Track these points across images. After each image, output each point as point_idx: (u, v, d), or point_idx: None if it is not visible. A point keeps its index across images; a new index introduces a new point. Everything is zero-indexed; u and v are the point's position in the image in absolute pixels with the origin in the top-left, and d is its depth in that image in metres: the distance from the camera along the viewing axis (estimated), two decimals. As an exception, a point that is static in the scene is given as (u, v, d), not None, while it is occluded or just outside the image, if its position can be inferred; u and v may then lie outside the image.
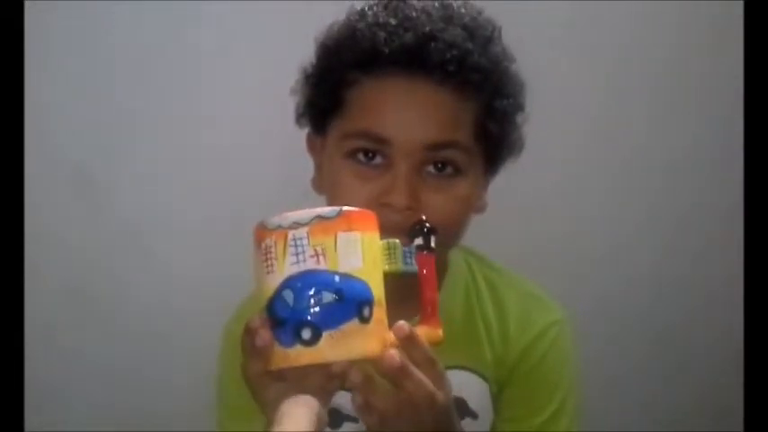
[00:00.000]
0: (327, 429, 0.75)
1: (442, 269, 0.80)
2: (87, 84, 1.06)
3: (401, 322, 0.57)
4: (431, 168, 0.70)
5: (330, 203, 0.72)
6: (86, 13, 1.05)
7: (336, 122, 0.73)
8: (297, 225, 0.54)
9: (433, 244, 0.61)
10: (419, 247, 0.60)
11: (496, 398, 0.80)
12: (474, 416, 0.78)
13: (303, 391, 0.57)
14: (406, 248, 0.59)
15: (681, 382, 1.27)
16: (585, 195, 1.22)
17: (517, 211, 1.09)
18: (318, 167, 0.77)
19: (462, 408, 0.77)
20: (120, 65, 1.06)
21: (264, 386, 0.58)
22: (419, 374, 0.57)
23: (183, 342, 1.09)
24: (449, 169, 0.71)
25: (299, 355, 0.54)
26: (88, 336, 1.10)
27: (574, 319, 0.83)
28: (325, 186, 0.75)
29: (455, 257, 0.81)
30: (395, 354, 0.56)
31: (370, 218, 0.58)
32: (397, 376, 0.56)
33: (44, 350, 1.07)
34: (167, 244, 1.10)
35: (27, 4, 0.71)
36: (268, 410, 0.59)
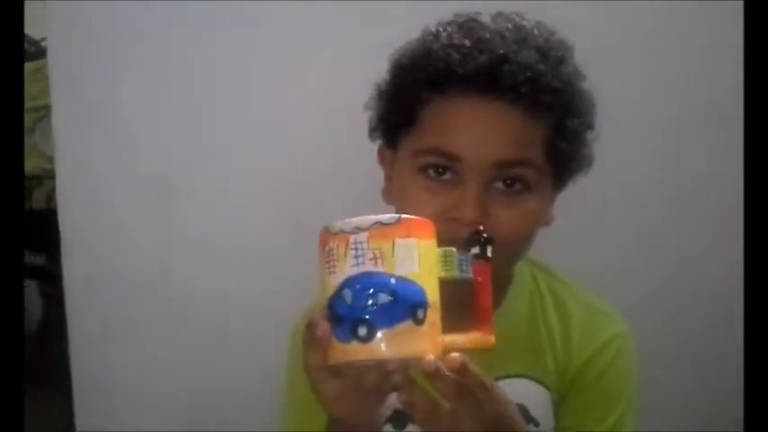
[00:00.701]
0: (391, 430, 0.79)
1: (507, 280, 0.82)
2: (167, 96, 1.10)
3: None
4: (500, 185, 0.72)
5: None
6: (163, 24, 1.08)
7: (408, 138, 0.75)
8: (358, 230, 0.58)
9: (489, 253, 0.63)
10: (476, 256, 0.63)
11: (558, 407, 0.81)
12: (536, 423, 0.80)
13: (360, 389, 0.61)
14: (463, 257, 0.62)
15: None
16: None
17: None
18: (389, 179, 0.80)
19: (524, 415, 0.78)
20: (198, 75, 1.10)
21: (323, 380, 0.61)
22: (475, 372, 0.60)
23: (249, 343, 1.11)
24: (518, 186, 0.72)
25: (355, 351, 0.57)
26: (159, 333, 1.14)
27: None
28: (396, 198, 0.77)
29: (520, 268, 0.83)
30: (458, 357, 0.58)
31: (428, 226, 0.60)
32: (456, 378, 0.59)
33: (118, 345, 1.13)
34: (236, 250, 1.12)
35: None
36: (327, 405, 0.63)
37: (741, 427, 0.68)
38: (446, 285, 0.61)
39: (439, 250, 0.61)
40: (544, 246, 0.79)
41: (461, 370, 0.59)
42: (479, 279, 0.63)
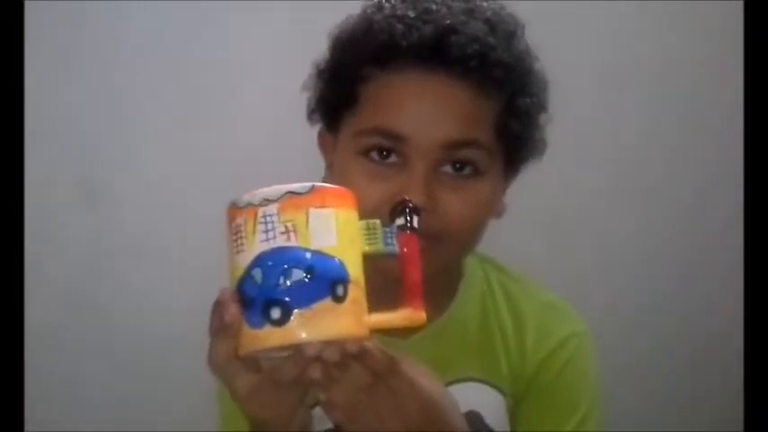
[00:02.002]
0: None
1: (457, 276, 0.77)
2: (92, 93, 1.06)
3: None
4: (448, 168, 0.67)
5: None
6: (92, 22, 1.05)
7: (350, 119, 0.70)
8: (267, 202, 0.52)
9: (415, 223, 0.58)
10: (401, 227, 0.57)
11: (514, 412, 0.76)
12: (490, 431, 0.75)
13: (276, 383, 0.55)
14: (387, 228, 0.57)
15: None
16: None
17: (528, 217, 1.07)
18: (329, 166, 0.75)
19: (478, 422, 0.74)
20: (125, 75, 1.06)
21: (234, 374, 0.55)
22: (407, 369, 0.55)
23: (186, 349, 1.08)
24: (467, 169, 0.67)
25: (269, 336, 0.51)
26: (89, 340, 1.09)
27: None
28: (336, 185, 0.72)
29: (471, 265, 0.78)
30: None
31: (346, 195, 0.55)
32: (382, 370, 0.54)
33: (45, 353, 1.06)
34: (171, 252, 1.09)
35: (28, 5, 0.70)
36: (242, 403, 0.56)
37: (741, 426, 0.66)
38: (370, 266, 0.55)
39: (361, 223, 0.55)
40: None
41: (361, 355, 0.53)
42: (406, 250, 0.57)
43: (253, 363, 0.54)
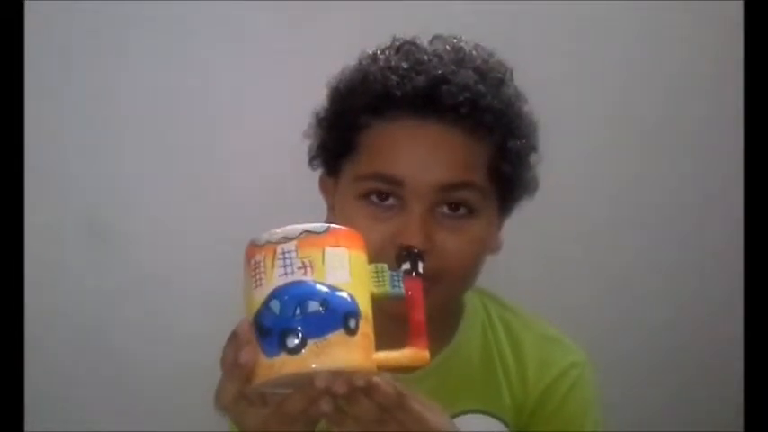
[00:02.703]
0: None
1: (458, 311, 0.80)
2: (100, 131, 1.08)
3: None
4: (444, 209, 0.70)
5: None
6: (98, 59, 1.07)
7: (349, 165, 0.73)
8: (285, 239, 0.55)
9: (420, 269, 0.62)
10: (407, 272, 0.61)
11: (517, 443, 0.78)
12: (494, 461, 0.77)
13: (284, 416, 0.56)
14: (394, 272, 0.60)
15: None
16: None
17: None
18: (331, 208, 0.77)
19: (483, 453, 0.75)
20: (133, 111, 1.08)
21: (242, 412, 0.57)
22: (414, 404, 0.58)
23: (199, 384, 1.09)
24: (462, 210, 0.70)
25: (284, 365, 0.53)
26: (98, 377, 1.10)
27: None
28: None
29: (471, 300, 0.80)
30: (389, 382, 0.55)
31: (357, 238, 0.58)
32: (390, 404, 0.56)
33: (57, 392, 1.08)
34: (182, 288, 1.10)
35: (29, 23, 0.72)
36: None
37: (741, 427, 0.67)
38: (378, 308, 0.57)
39: (370, 266, 0.58)
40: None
41: (369, 389, 0.56)
42: (411, 294, 0.60)
43: (259, 398, 0.56)
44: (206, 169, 1.09)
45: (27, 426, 1.05)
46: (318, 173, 0.79)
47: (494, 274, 0.77)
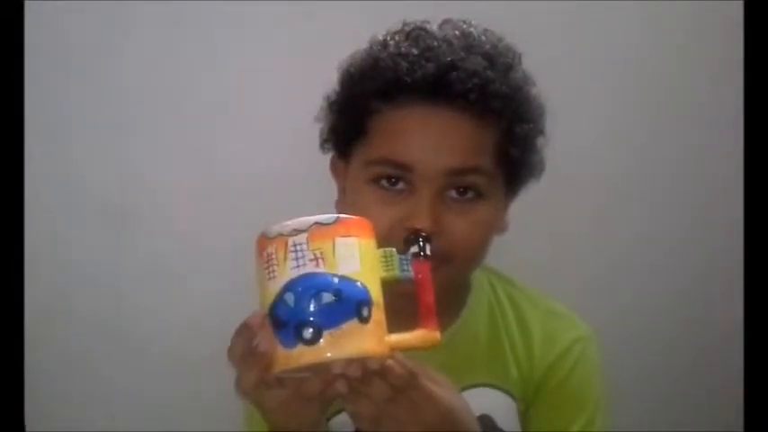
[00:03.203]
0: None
1: (465, 289, 0.82)
2: (113, 115, 1.08)
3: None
4: (453, 193, 0.71)
5: None
6: (110, 47, 1.08)
7: (360, 149, 0.75)
8: (296, 232, 0.57)
9: (428, 251, 0.63)
10: (415, 255, 0.63)
11: (524, 415, 0.80)
12: (501, 433, 0.80)
13: (302, 397, 0.59)
14: (403, 256, 0.61)
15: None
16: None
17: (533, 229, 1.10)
18: (342, 191, 0.79)
19: (490, 425, 0.78)
20: (145, 96, 1.09)
21: (262, 395, 0.59)
22: (425, 382, 0.60)
23: (213, 371, 1.11)
24: (470, 193, 0.72)
25: (301, 355, 0.55)
26: (117, 367, 1.11)
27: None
28: (349, 209, 0.76)
29: (478, 278, 0.82)
30: (401, 362, 0.58)
31: (367, 225, 0.60)
32: (402, 384, 0.59)
33: (75, 379, 1.10)
34: (195, 274, 1.11)
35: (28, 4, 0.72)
36: (268, 417, 0.61)
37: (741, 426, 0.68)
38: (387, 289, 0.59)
39: (379, 251, 0.60)
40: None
41: (383, 371, 0.58)
42: (420, 276, 0.62)
43: (277, 381, 0.59)
44: (218, 156, 1.10)
45: (42, 410, 1.08)
46: (329, 155, 0.80)
47: (500, 254, 0.79)
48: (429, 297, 0.62)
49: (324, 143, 0.79)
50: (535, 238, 1.16)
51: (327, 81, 0.77)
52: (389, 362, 0.58)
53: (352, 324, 0.56)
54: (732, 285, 0.94)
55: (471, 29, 0.73)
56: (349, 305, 0.56)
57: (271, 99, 1.09)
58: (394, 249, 0.61)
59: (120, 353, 1.11)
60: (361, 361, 0.57)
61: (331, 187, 0.80)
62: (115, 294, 1.10)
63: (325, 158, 0.81)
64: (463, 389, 0.74)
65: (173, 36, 1.08)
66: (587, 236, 1.25)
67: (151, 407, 1.12)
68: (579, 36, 1.19)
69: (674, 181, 1.27)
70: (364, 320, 0.56)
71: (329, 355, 0.55)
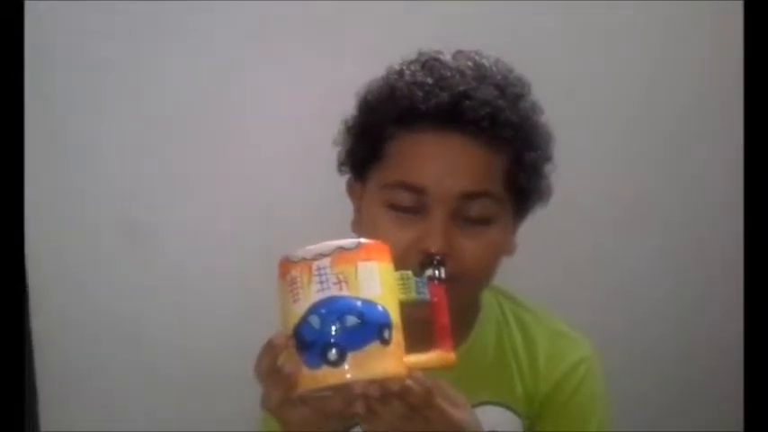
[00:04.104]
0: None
1: (475, 308, 0.84)
2: (134, 134, 1.11)
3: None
4: (464, 216, 0.74)
5: None
6: (135, 66, 1.10)
7: (376, 172, 0.78)
8: (320, 256, 0.59)
9: (442, 275, 0.66)
10: (430, 278, 0.66)
11: (529, 432, 0.83)
12: (508, 449, 0.82)
13: (323, 414, 0.62)
14: (419, 279, 0.64)
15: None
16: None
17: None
18: (358, 211, 0.82)
19: (496, 442, 0.80)
20: (160, 113, 1.11)
21: (286, 412, 0.62)
22: (439, 401, 0.63)
23: (230, 386, 1.10)
24: (481, 217, 0.75)
25: (326, 376, 0.58)
26: (132, 382, 1.13)
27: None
28: (365, 230, 0.79)
29: (486, 297, 0.85)
30: (418, 381, 0.61)
31: (385, 249, 0.63)
32: (419, 404, 0.61)
33: (91, 396, 1.12)
34: (212, 289, 1.13)
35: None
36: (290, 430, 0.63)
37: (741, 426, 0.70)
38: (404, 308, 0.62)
39: (396, 274, 0.63)
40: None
41: (402, 392, 0.61)
42: (435, 299, 0.65)
43: (300, 399, 0.61)
44: (235, 170, 1.12)
45: (59, 418, 1.09)
46: (346, 177, 0.83)
47: (508, 274, 0.81)
48: (444, 319, 0.65)
49: (341, 166, 0.82)
50: (541, 258, 1.18)
51: (347, 97, 0.80)
52: (408, 382, 0.61)
53: (375, 346, 0.58)
54: (734, 303, 0.96)
55: (483, 60, 0.77)
56: (372, 328, 0.59)
57: (285, 121, 1.11)
58: (410, 272, 0.64)
59: (136, 367, 1.13)
60: (382, 382, 0.59)
61: (345, 210, 0.83)
62: (131, 305, 1.12)
63: (341, 181, 0.84)
64: (472, 406, 0.76)
65: (192, 47, 1.10)
66: (592, 257, 1.27)
67: (166, 421, 1.13)
68: (587, 50, 1.22)
69: (680, 202, 1.29)
70: (386, 342, 0.59)
71: (353, 376, 0.58)
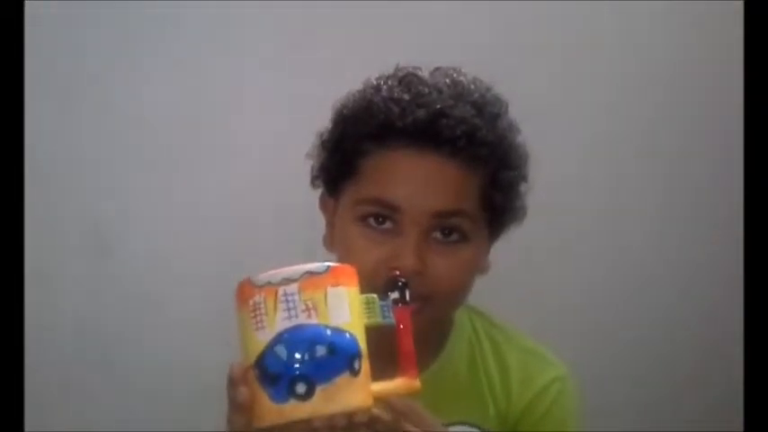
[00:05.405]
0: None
1: (447, 327, 0.83)
2: (99, 144, 1.10)
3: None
4: (437, 234, 0.74)
5: (341, 262, 0.75)
6: (106, 72, 1.09)
7: (349, 188, 0.77)
8: (287, 281, 0.56)
9: (407, 297, 0.64)
10: (395, 301, 0.63)
11: (501, 453, 0.82)
12: (481, 470, 0.81)
13: None
14: (383, 302, 0.62)
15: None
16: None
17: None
18: (330, 226, 0.81)
19: (468, 462, 0.79)
20: (136, 126, 1.10)
21: None
22: (409, 427, 0.62)
23: (202, 403, 1.10)
24: (455, 236, 0.74)
25: (294, 411, 0.55)
26: (103, 396, 1.12)
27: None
28: (336, 246, 0.78)
29: (459, 315, 0.84)
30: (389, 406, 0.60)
31: (352, 273, 0.60)
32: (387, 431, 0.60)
33: (58, 411, 1.10)
34: (180, 303, 1.12)
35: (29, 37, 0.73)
36: None
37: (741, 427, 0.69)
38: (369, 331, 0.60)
39: (361, 297, 0.60)
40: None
41: (370, 423, 0.59)
42: (401, 325, 0.62)
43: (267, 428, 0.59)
44: (208, 187, 1.12)
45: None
46: (319, 191, 0.82)
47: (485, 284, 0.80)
48: (409, 344, 0.62)
49: (314, 179, 0.81)
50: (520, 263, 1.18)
51: (325, 112, 0.78)
52: (375, 411, 0.60)
53: (345, 378, 0.56)
54: (730, 300, 0.97)
55: (461, 77, 0.76)
56: (342, 359, 0.56)
57: (256, 133, 1.11)
58: (375, 296, 0.62)
59: (103, 382, 1.11)
60: (350, 415, 0.57)
61: (316, 225, 0.82)
62: (98, 320, 1.11)
63: (314, 195, 0.82)
64: (444, 426, 0.75)
65: (169, 61, 1.10)
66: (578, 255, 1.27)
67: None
68: (572, 46, 1.22)
69: (667, 200, 1.30)
70: (355, 373, 0.57)
71: (321, 410, 0.55)
